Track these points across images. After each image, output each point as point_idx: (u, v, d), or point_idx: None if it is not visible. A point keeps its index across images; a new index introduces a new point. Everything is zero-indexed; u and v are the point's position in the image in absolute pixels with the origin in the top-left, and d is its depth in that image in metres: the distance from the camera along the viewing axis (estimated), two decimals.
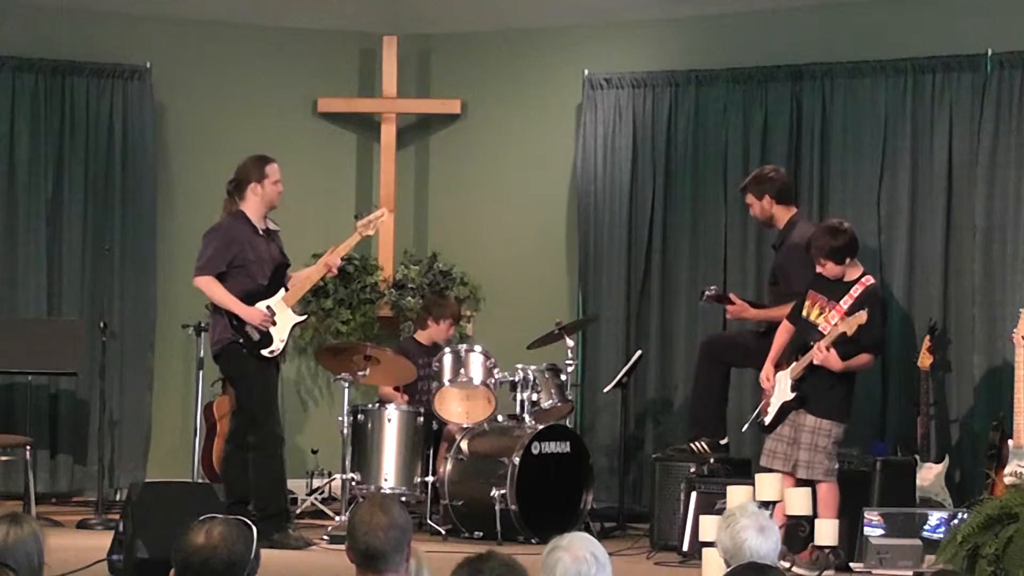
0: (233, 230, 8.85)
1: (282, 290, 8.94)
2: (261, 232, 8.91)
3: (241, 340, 8.79)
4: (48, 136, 10.78)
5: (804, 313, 8.43)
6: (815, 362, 8.22)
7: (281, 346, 8.87)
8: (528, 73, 11.31)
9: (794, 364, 8.32)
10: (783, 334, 8.54)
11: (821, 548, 7.96)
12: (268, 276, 8.89)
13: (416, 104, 11.54)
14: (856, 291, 8.27)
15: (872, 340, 8.30)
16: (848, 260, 8.33)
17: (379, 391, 10.25)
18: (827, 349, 8.18)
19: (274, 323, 8.83)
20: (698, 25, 10.84)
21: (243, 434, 8.93)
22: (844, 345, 8.21)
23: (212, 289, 8.83)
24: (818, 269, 8.38)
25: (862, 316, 8.11)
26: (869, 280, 8.35)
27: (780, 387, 8.36)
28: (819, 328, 8.28)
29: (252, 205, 8.90)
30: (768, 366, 8.47)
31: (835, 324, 8.21)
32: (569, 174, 11.13)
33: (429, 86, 11.61)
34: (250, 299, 8.82)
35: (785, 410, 8.31)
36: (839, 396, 8.33)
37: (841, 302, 8.26)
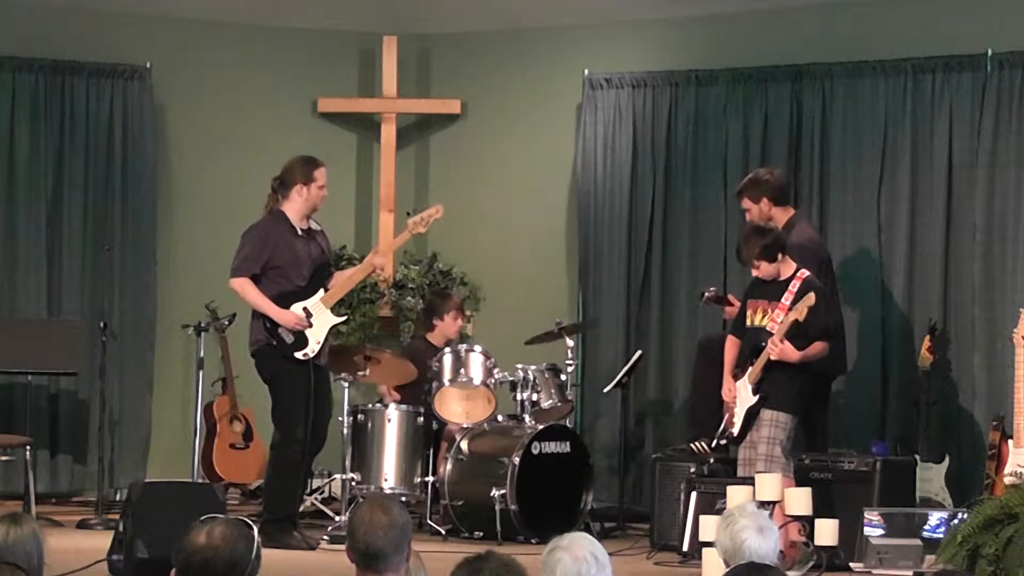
0: (270, 231, 8.77)
1: (321, 291, 8.86)
2: (301, 232, 8.83)
3: (275, 343, 8.74)
4: (48, 136, 10.78)
5: (748, 322, 8.48)
6: (772, 358, 8.23)
7: (317, 348, 8.76)
8: (528, 73, 11.31)
9: (750, 369, 8.33)
10: (731, 349, 8.58)
11: (806, 545, 7.98)
12: (307, 277, 8.80)
13: (416, 104, 11.54)
14: (794, 286, 8.33)
15: (820, 328, 8.33)
16: (780, 256, 8.39)
17: (379, 389, 10.24)
18: (781, 342, 8.21)
19: (310, 325, 8.77)
20: (698, 25, 10.84)
21: None
22: (795, 339, 8.26)
23: (246, 291, 8.75)
24: (753, 273, 8.45)
25: (811, 298, 8.18)
26: (805, 273, 8.40)
27: (742, 395, 8.39)
28: (767, 329, 8.32)
29: (294, 206, 8.82)
30: (727, 379, 8.49)
31: (783, 320, 8.23)
32: (569, 174, 11.13)
33: (429, 86, 11.61)
34: (286, 301, 8.74)
35: (751, 415, 8.33)
36: (796, 389, 8.37)
37: (782, 299, 8.30)
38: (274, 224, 8.80)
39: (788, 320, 8.21)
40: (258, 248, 8.74)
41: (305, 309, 8.77)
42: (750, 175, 9.41)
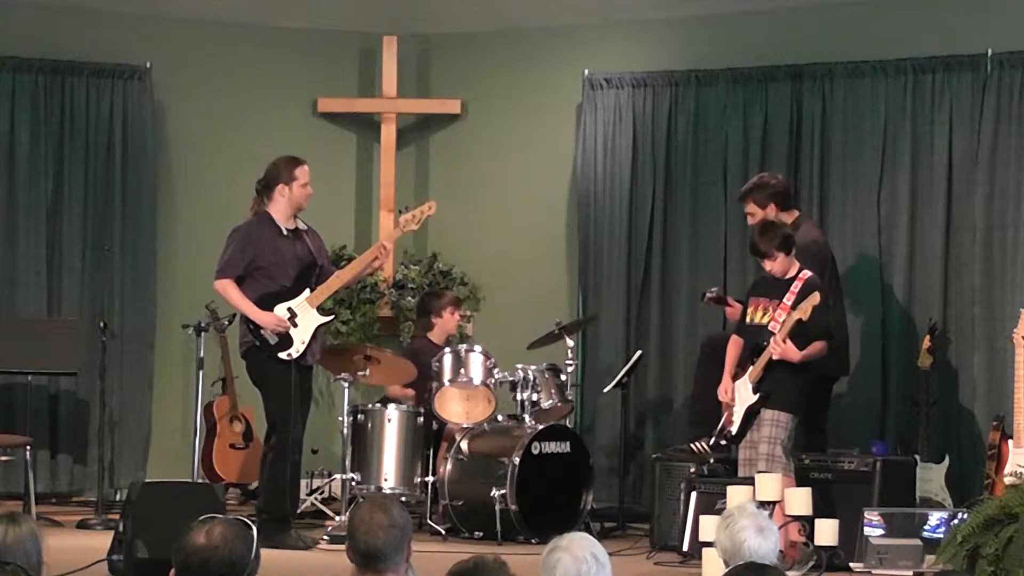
0: (252, 232, 8.79)
1: (306, 291, 8.87)
2: (286, 233, 8.84)
3: (259, 343, 8.75)
4: (48, 136, 10.78)
5: (748, 320, 8.48)
6: (774, 357, 8.23)
7: (302, 348, 8.76)
8: (528, 73, 11.31)
9: (750, 368, 8.33)
10: (733, 348, 8.57)
11: (806, 545, 7.98)
12: (292, 277, 8.80)
13: (416, 104, 11.54)
14: (796, 286, 8.33)
15: (821, 328, 8.32)
16: (792, 251, 8.40)
17: (387, 391, 10.22)
18: (783, 341, 8.21)
19: (294, 325, 8.78)
20: (698, 25, 10.84)
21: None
22: (796, 339, 8.26)
23: (228, 292, 8.79)
24: (767, 267, 8.42)
25: (815, 297, 8.19)
26: (807, 273, 8.41)
27: (741, 394, 8.39)
28: (768, 328, 8.32)
29: (279, 206, 8.84)
30: (726, 379, 8.48)
31: (785, 319, 8.22)
32: (569, 174, 11.14)
33: (429, 86, 11.61)
34: (270, 301, 8.75)
35: (751, 414, 8.33)
36: (796, 388, 8.36)
37: (784, 299, 8.30)
38: (257, 225, 8.83)
39: (791, 320, 8.21)
40: (240, 250, 8.77)
41: (290, 309, 8.78)
42: (754, 180, 9.36)
